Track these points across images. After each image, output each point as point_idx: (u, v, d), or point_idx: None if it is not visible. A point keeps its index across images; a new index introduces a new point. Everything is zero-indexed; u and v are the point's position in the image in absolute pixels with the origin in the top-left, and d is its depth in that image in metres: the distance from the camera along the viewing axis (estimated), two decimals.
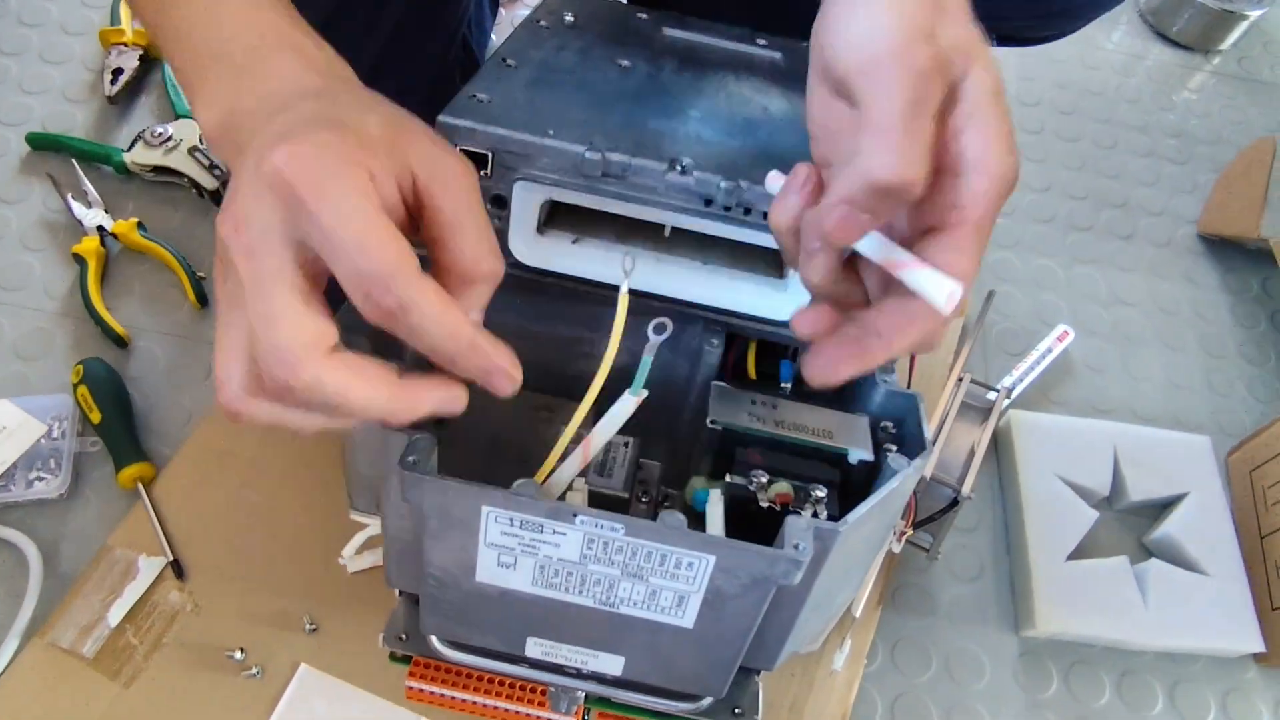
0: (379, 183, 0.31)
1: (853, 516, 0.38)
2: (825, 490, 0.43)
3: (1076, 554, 0.70)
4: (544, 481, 0.40)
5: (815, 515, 0.42)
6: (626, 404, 0.39)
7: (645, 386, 0.39)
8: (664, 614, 0.39)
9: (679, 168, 0.44)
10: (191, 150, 0.79)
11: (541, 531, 0.37)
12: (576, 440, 0.40)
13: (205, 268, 0.76)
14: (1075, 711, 0.67)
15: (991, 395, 0.71)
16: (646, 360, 0.38)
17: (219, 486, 0.66)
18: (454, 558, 0.40)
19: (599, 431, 0.40)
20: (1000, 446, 0.76)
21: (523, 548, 0.38)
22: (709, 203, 0.44)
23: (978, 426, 0.68)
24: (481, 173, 0.45)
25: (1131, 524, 0.75)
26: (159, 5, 0.38)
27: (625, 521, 0.37)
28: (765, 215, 0.44)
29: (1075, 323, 0.84)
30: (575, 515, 0.37)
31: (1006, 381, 0.79)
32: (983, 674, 0.68)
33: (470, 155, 0.44)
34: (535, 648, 0.43)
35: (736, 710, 0.49)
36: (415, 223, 0.34)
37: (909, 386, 0.51)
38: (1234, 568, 0.71)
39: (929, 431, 0.44)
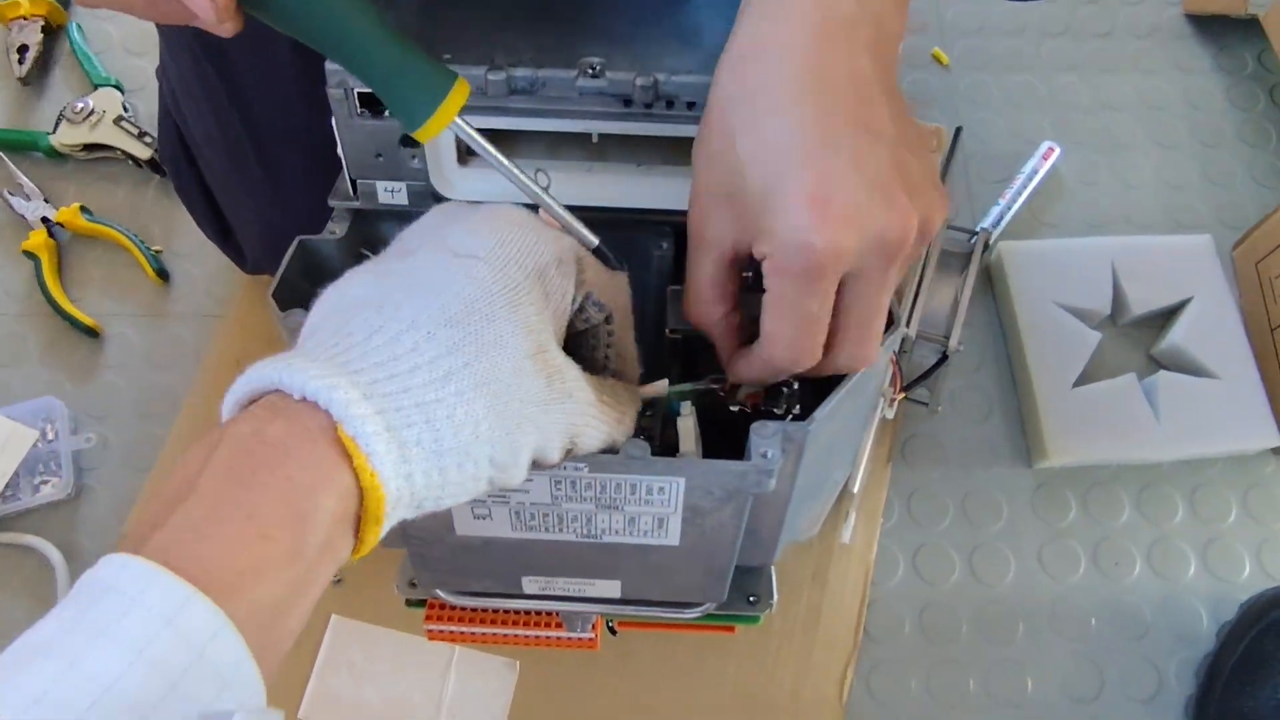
0: None
1: (820, 413, 0.37)
2: (795, 384, 0.42)
3: (1083, 379, 0.69)
4: None
5: (788, 411, 0.41)
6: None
7: None
8: (647, 537, 0.39)
9: (590, 71, 0.41)
10: (117, 120, 0.76)
11: None
12: None
13: (157, 239, 0.74)
14: (1096, 534, 0.67)
15: (971, 240, 0.69)
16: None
17: None
18: (431, 517, 0.39)
19: None
20: (994, 281, 0.74)
21: (493, 499, 0.38)
22: (628, 103, 0.41)
23: (960, 275, 0.65)
24: (385, 113, 0.42)
25: (1138, 338, 0.73)
26: None
27: (588, 459, 0.36)
28: (690, 105, 0.41)
29: (1061, 137, 0.80)
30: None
31: (994, 211, 0.76)
32: (1000, 513, 0.68)
33: (368, 96, 0.42)
34: (532, 584, 0.43)
35: (751, 599, 0.50)
36: None
37: None
38: (1245, 366, 0.70)
39: (896, 306, 0.42)
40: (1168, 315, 0.73)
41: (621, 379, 0.37)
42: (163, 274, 0.73)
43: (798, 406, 0.41)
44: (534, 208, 0.38)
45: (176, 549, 0.25)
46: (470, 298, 0.30)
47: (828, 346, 0.36)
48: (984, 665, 0.63)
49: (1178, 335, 0.71)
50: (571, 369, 0.33)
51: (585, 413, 0.33)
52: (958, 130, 0.74)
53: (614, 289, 0.36)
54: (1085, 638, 0.64)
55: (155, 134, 0.75)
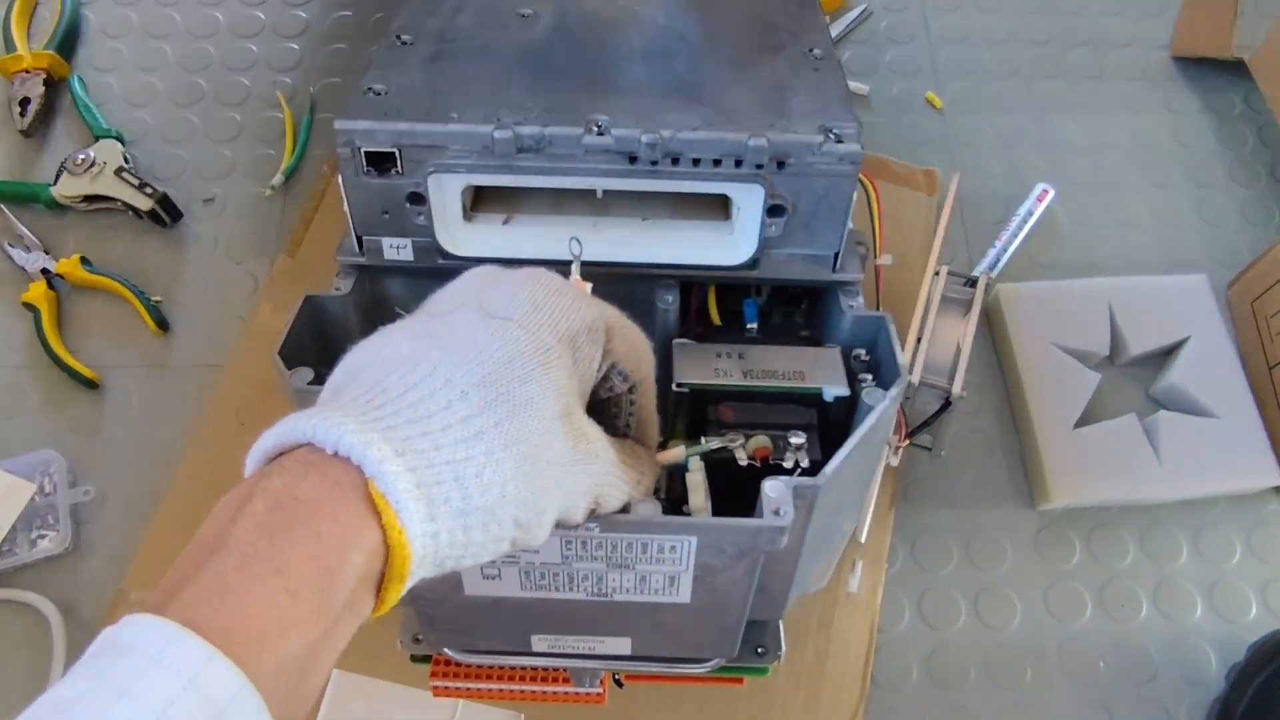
0: None
1: (830, 468, 0.37)
2: (804, 436, 0.42)
3: (1083, 420, 0.69)
4: None
5: (797, 465, 0.41)
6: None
7: None
8: (658, 595, 0.39)
9: (596, 128, 0.41)
10: (118, 171, 0.76)
11: None
12: None
13: (158, 291, 0.74)
14: (1101, 576, 0.67)
15: (969, 287, 0.69)
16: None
17: None
18: (439, 578, 0.39)
19: None
20: (993, 324, 0.75)
21: (503, 559, 0.38)
22: (634, 160, 0.42)
23: (962, 319, 0.66)
24: (394, 170, 0.43)
25: (1137, 378, 0.73)
26: None
27: (598, 519, 0.36)
28: (696, 162, 0.42)
29: (1055, 178, 0.81)
30: None
31: (990, 253, 0.76)
32: (1005, 555, 0.68)
33: (376, 155, 0.42)
34: (541, 643, 0.43)
35: (759, 650, 0.49)
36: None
37: (879, 306, 0.49)
38: (1244, 405, 0.70)
39: (901, 355, 0.42)
40: (1165, 355, 0.73)
41: (640, 444, 0.38)
42: (163, 324, 0.72)
43: (806, 460, 0.41)
44: (565, 270, 0.38)
45: (204, 605, 0.25)
46: (504, 359, 0.31)
47: None
48: (993, 711, 0.63)
49: (1176, 375, 0.71)
50: (594, 429, 0.33)
51: (609, 473, 0.33)
52: (954, 176, 0.74)
53: (639, 359, 0.36)
54: (1094, 681, 0.64)
55: (155, 185, 0.75)
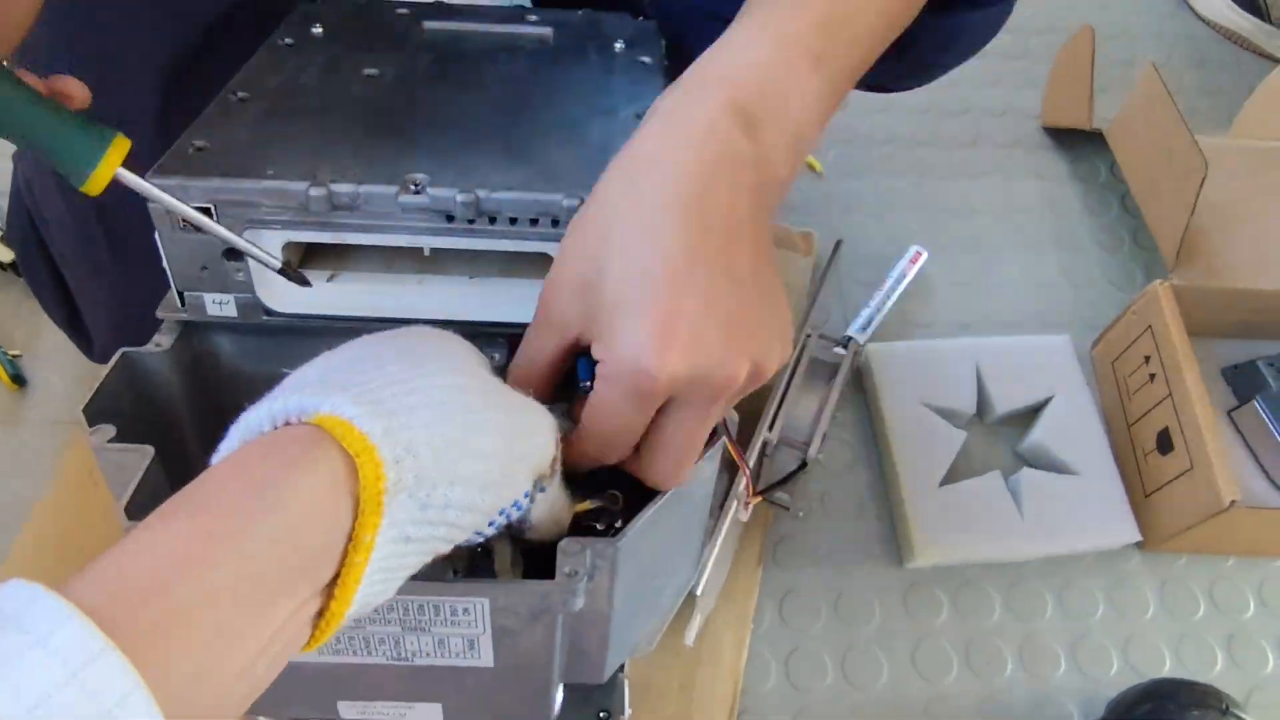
0: None
1: (630, 530, 0.37)
2: (620, 500, 0.41)
3: (950, 477, 0.70)
4: None
5: (611, 524, 0.41)
6: None
7: None
8: (459, 659, 0.38)
9: (413, 188, 0.41)
10: None
11: None
12: None
13: (16, 344, 0.72)
14: (968, 633, 0.67)
15: (840, 350, 0.70)
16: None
17: (74, 564, 0.63)
18: None
19: None
20: (864, 382, 0.76)
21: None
22: (450, 219, 0.42)
23: (827, 383, 0.67)
24: (214, 222, 0.42)
25: (1004, 435, 0.75)
26: None
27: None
28: (513, 220, 0.42)
29: (930, 240, 0.83)
30: None
31: (864, 313, 0.78)
32: (873, 614, 0.68)
33: (197, 209, 0.42)
34: (349, 709, 0.41)
35: (602, 714, 0.48)
36: None
37: None
38: (1105, 462, 0.72)
39: (730, 415, 0.42)
40: (1031, 414, 0.75)
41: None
42: (18, 379, 0.70)
43: (620, 520, 0.41)
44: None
45: (104, 582, 0.23)
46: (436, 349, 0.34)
47: (642, 455, 0.36)
48: None
49: (1040, 433, 0.73)
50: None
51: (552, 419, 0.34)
52: (838, 243, 0.76)
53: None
54: None
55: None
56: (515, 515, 0.33)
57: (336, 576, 0.27)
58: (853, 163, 0.89)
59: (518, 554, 0.39)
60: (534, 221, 0.42)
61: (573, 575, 0.35)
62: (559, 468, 0.35)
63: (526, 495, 0.33)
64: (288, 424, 0.28)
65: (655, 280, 0.33)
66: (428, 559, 0.30)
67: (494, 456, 0.30)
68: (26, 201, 0.60)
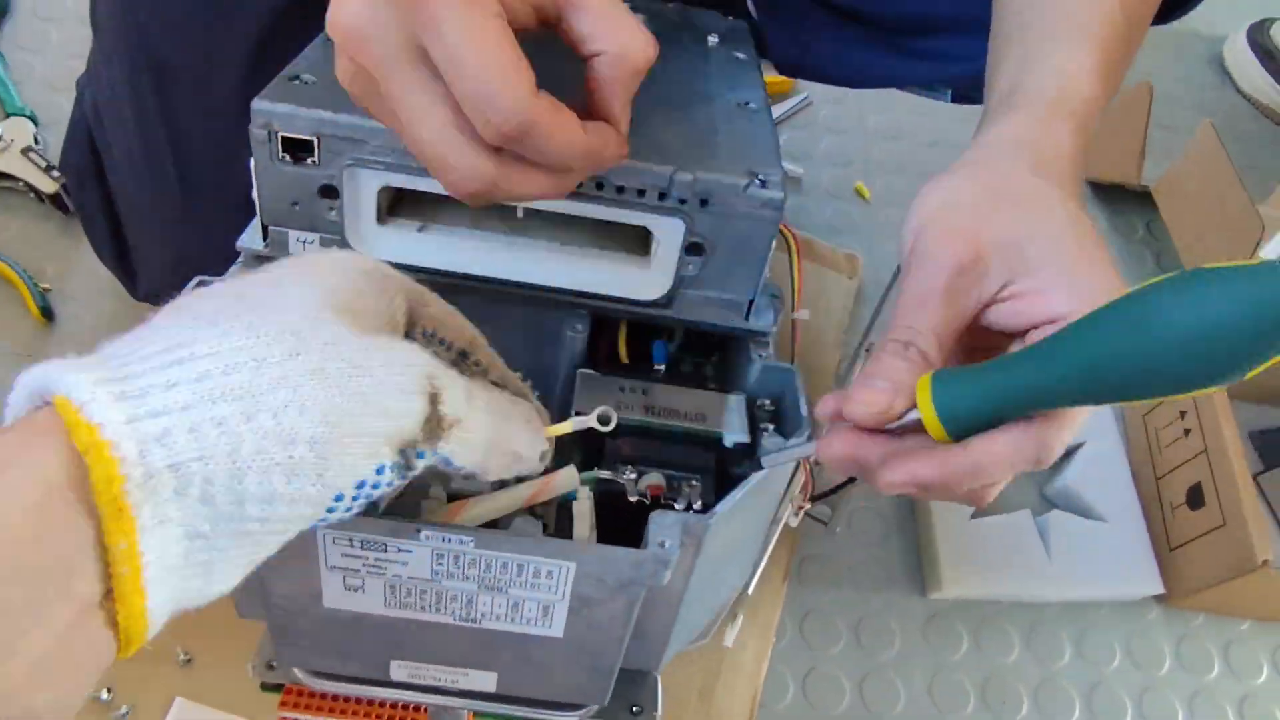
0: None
1: (722, 507, 0.36)
2: (699, 478, 0.41)
3: (980, 511, 0.70)
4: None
5: (689, 505, 0.40)
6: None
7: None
8: (530, 625, 0.37)
9: None
10: (25, 151, 0.72)
11: (386, 551, 0.34)
12: None
13: (48, 278, 0.70)
14: (986, 670, 0.67)
15: None
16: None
17: None
18: (298, 584, 0.36)
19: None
20: None
21: (368, 569, 0.35)
22: None
23: None
24: (309, 159, 0.41)
25: (1034, 477, 0.75)
26: None
27: (475, 533, 0.34)
28: (620, 189, 0.41)
29: None
30: (420, 530, 0.34)
31: None
32: (893, 641, 0.67)
33: (293, 142, 0.41)
34: (400, 670, 0.40)
35: (635, 709, 0.47)
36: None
37: (793, 360, 0.49)
38: (1132, 512, 0.72)
39: (806, 408, 0.42)
40: (1062, 457, 0.75)
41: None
42: (47, 313, 0.68)
43: (699, 502, 0.40)
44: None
45: None
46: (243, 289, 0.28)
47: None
48: None
49: (1070, 477, 0.73)
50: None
51: (428, 363, 0.28)
52: (898, 268, 0.76)
53: (459, 325, 0.33)
54: None
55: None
56: (376, 494, 0.27)
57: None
58: (898, 192, 0.89)
59: (595, 520, 0.38)
60: (641, 192, 0.41)
61: (664, 547, 0.34)
62: (462, 419, 0.29)
63: (386, 469, 0.27)
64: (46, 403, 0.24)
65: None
66: (284, 537, 0.26)
67: (301, 437, 0.25)
68: (94, 132, 0.58)
